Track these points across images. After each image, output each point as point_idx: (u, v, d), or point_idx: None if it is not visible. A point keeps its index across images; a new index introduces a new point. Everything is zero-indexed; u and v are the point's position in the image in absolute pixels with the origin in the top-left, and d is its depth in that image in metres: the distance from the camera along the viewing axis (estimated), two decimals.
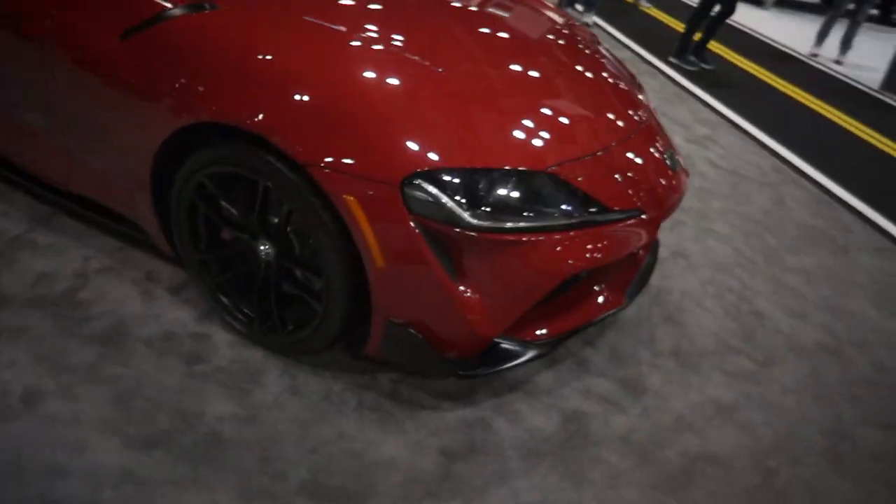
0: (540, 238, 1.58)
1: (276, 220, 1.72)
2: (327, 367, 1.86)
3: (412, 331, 1.64)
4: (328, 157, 1.49)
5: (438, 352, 1.67)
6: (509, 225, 1.54)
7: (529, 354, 1.76)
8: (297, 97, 1.52)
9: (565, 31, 2.37)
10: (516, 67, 1.94)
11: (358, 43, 1.72)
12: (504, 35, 2.13)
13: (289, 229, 1.73)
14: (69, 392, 1.65)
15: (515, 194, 1.57)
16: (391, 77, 1.64)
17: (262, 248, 1.77)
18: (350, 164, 1.49)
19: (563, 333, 1.82)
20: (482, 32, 2.10)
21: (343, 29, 1.77)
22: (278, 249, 1.75)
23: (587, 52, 2.28)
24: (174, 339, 1.87)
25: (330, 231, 1.57)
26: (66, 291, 1.97)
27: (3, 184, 2.38)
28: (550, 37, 2.27)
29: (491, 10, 2.30)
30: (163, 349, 1.83)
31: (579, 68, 2.13)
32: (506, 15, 2.31)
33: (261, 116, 1.52)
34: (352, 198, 1.50)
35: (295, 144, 1.50)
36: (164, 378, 1.74)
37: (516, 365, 1.74)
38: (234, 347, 1.88)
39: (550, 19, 2.45)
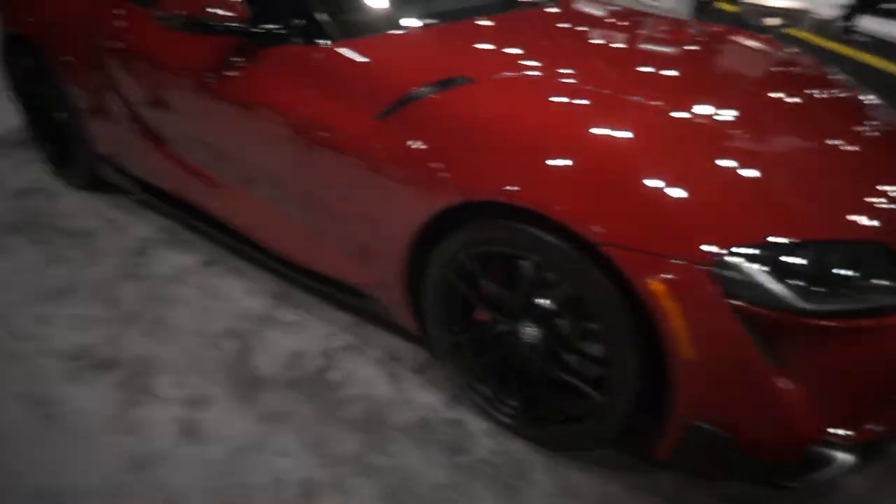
0: (885, 320, 1.31)
1: (544, 302, 1.59)
2: (598, 464, 1.68)
3: (717, 430, 1.41)
4: (625, 234, 1.33)
5: (746, 454, 1.42)
6: (849, 307, 1.29)
7: (851, 459, 1.46)
8: (583, 170, 1.40)
9: (810, 73, 2.10)
10: (797, 123, 1.70)
11: (634, 105, 1.58)
12: (775, 91, 1.90)
13: (555, 310, 1.59)
14: (343, 486, 1.59)
15: (850, 271, 1.32)
16: (682, 142, 1.48)
17: (526, 330, 1.64)
18: (651, 241, 1.32)
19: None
20: (745, 81, 1.89)
21: (607, 92, 1.65)
22: (547, 332, 1.61)
23: (845, 96, 1.99)
24: (429, 427, 1.78)
25: (623, 317, 1.41)
26: (317, 371, 1.96)
27: (245, 261, 2.48)
28: (804, 85, 2.01)
29: (745, 58, 2.09)
30: (420, 437, 1.74)
31: (854, 118, 1.85)
32: (760, 67, 2.09)
33: (542, 193, 1.41)
34: (656, 281, 1.32)
35: (587, 222, 1.36)
36: (430, 472, 1.64)
37: (838, 472, 1.45)
38: (493, 437, 1.75)
39: (788, 60, 2.19)
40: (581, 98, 1.61)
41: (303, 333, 2.12)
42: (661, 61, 2.01)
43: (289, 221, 2.06)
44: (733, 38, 2.36)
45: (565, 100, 1.60)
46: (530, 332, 1.63)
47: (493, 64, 1.74)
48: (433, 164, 1.57)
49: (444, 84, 1.65)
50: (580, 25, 2.30)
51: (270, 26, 1.89)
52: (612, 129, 1.48)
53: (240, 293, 2.31)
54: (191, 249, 2.56)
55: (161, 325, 2.14)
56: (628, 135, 1.47)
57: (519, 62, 1.80)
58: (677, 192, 1.34)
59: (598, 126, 1.48)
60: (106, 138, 2.68)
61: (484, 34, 2.04)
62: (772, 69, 2.15)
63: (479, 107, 1.58)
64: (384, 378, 1.95)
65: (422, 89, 1.65)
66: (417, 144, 1.61)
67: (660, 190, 1.35)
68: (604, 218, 1.35)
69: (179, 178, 2.42)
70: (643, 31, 2.32)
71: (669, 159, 1.42)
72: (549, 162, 1.42)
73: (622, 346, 1.43)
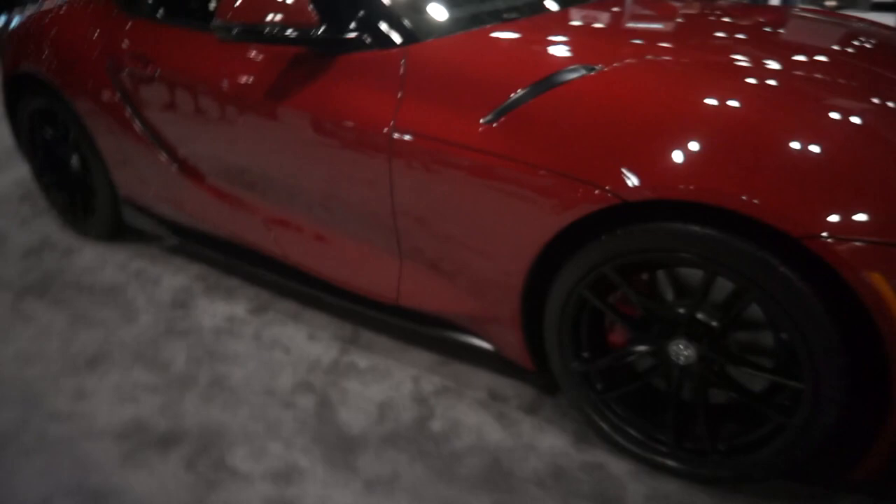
0: None
1: (703, 315, 1.35)
2: (767, 496, 1.41)
3: None
4: (833, 221, 1.10)
5: None
6: None
7: None
8: (783, 157, 1.16)
9: None
10: None
11: (789, 84, 1.36)
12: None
13: (725, 322, 1.34)
14: None
15: None
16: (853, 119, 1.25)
17: (678, 348, 1.38)
18: (869, 226, 1.08)
19: None
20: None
21: (776, 66, 1.42)
22: (706, 350, 1.36)
23: None
24: (566, 475, 1.50)
25: (823, 320, 1.16)
26: (415, 422, 1.68)
27: (300, 303, 2.21)
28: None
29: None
30: (561, 490, 1.46)
31: None
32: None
33: (737, 185, 1.16)
34: (877, 274, 1.08)
35: (791, 215, 1.12)
36: None
37: None
38: (641, 480, 1.48)
39: None
40: (731, 77, 1.38)
41: (386, 380, 1.85)
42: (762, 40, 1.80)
43: (372, 252, 1.80)
44: (807, 14, 2.16)
45: (715, 80, 1.37)
46: (684, 351, 1.38)
47: (605, 51, 1.51)
48: (565, 165, 1.33)
49: (564, 74, 1.41)
50: (658, 10, 2.09)
51: (342, 32, 1.66)
52: (797, 110, 1.25)
53: (302, 340, 2.03)
54: (236, 296, 2.28)
55: (221, 386, 1.85)
56: (830, 115, 1.24)
57: (628, 47, 1.57)
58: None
59: (778, 107, 1.25)
60: (135, 179, 2.41)
61: (569, 25, 1.82)
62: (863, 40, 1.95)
63: (624, 94, 1.34)
64: (494, 422, 1.67)
65: (541, 82, 1.41)
66: (542, 145, 1.36)
67: (873, 171, 1.12)
68: (811, 208, 1.11)
69: (226, 214, 2.15)
70: (712, 12, 2.11)
71: (863, 140, 1.20)
72: (739, 150, 1.18)
73: (824, 354, 1.18)
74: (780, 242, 1.18)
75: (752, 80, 1.34)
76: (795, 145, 1.16)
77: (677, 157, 1.21)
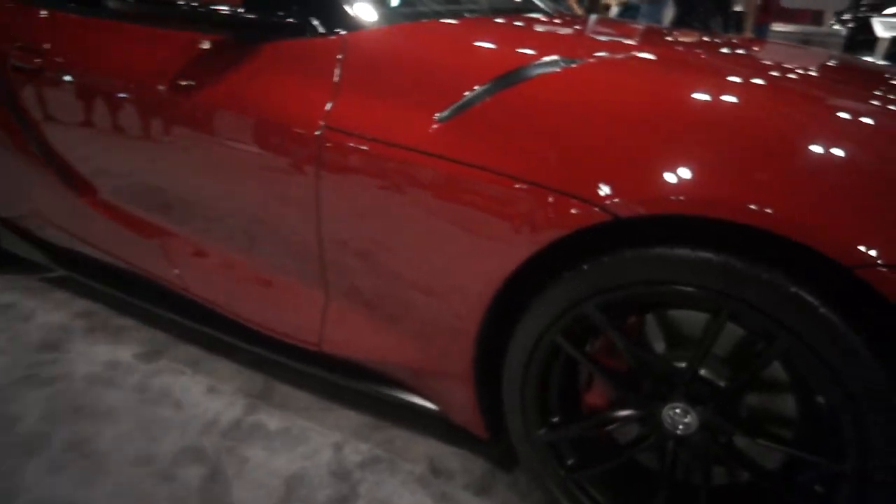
0: None
1: (711, 373, 1.06)
2: None
3: None
4: (887, 246, 0.84)
5: None
6: None
7: None
8: (802, 161, 0.90)
9: None
10: None
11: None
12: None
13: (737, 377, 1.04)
14: None
15: None
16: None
17: (674, 414, 1.08)
18: None
19: None
20: None
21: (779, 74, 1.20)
22: (711, 417, 1.05)
23: None
24: None
25: (875, 379, 0.88)
26: None
27: (204, 349, 1.81)
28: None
29: None
30: None
31: None
32: None
33: (744, 194, 0.89)
34: None
35: (833, 232, 0.85)
36: None
37: None
38: None
39: None
40: (741, 77, 1.14)
41: (300, 446, 1.46)
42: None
43: (291, 285, 1.45)
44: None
45: (723, 78, 1.13)
46: (682, 418, 1.07)
47: (587, 44, 1.26)
48: (541, 173, 1.04)
49: (540, 66, 1.15)
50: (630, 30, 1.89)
51: (269, 14, 1.36)
52: (821, 114, 1.01)
53: (199, 394, 1.63)
54: (124, 338, 1.86)
55: (80, 450, 1.42)
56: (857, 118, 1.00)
57: (611, 44, 1.33)
58: None
59: (804, 111, 1.01)
60: (13, 196, 2.00)
61: (542, 21, 1.59)
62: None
63: (615, 89, 1.08)
64: None
65: (512, 73, 1.13)
66: (512, 148, 1.08)
67: None
68: (866, 230, 0.85)
69: (121, 239, 1.75)
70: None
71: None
72: (769, 157, 0.92)
73: (877, 422, 0.89)
74: (811, 276, 0.91)
75: (761, 82, 1.11)
76: (836, 153, 0.91)
77: (688, 163, 0.95)
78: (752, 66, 1.32)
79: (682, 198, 0.92)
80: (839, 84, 1.31)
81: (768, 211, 0.87)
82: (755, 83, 1.11)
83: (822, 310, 0.88)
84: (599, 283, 1.04)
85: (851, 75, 1.48)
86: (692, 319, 1.10)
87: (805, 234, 0.86)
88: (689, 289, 0.97)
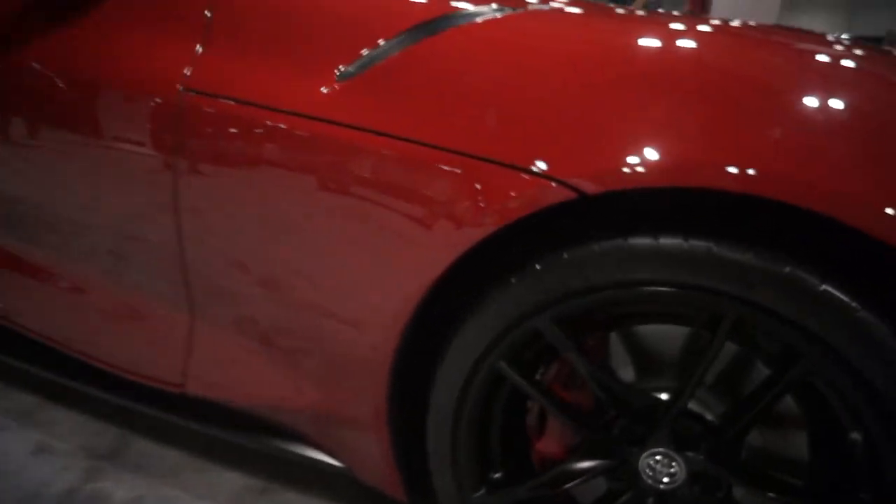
0: None
1: (704, 408, 0.80)
2: None
3: None
4: None
5: None
6: None
7: None
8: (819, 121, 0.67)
9: None
10: None
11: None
12: None
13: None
14: None
15: None
16: None
17: (655, 463, 0.81)
18: None
19: None
20: None
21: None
22: (705, 465, 0.79)
23: None
24: None
25: None
26: None
27: (37, 396, 1.40)
28: None
29: None
30: None
31: None
32: None
33: (762, 160, 0.65)
34: None
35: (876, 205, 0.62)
36: None
37: None
38: None
39: None
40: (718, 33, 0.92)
41: None
42: None
43: (146, 308, 1.09)
44: None
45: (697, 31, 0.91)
46: (666, 467, 0.81)
47: None
48: (479, 142, 0.76)
49: (469, 13, 0.88)
50: None
51: None
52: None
53: (24, 455, 1.22)
54: None
55: None
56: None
57: None
58: None
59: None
60: None
61: None
62: None
63: (567, 38, 0.82)
64: None
65: (437, 20, 0.86)
66: (440, 111, 0.80)
67: None
68: None
69: None
70: None
71: None
72: (773, 115, 0.68)
73: None
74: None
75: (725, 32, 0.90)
76: (848, 101, 0.69)
77: (679, 120, 0.70)
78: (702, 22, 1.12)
79: (673, 165, 0.68)
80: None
81: (800, 179, 0.63)
82: (726, 33, 0.89)
83: (861, 313, 0.65)
84: (558, 288, 0.77)
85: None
86: (668, 338, 0.85)
87: (842, 208, 0.62)
88: (681, 291, 0.71)
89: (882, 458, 0.67)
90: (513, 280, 0.79)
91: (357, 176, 0.84)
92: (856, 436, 0.70)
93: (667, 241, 0.71)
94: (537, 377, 0.89)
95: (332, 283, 0.89)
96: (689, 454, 0.79)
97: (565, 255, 0.76)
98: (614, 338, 0.88)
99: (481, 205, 0.75)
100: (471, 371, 0.84)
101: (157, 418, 1.20)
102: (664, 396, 0.82)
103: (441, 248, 0.79)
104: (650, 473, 0.81)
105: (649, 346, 0.86)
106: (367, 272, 0.86)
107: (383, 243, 0.84)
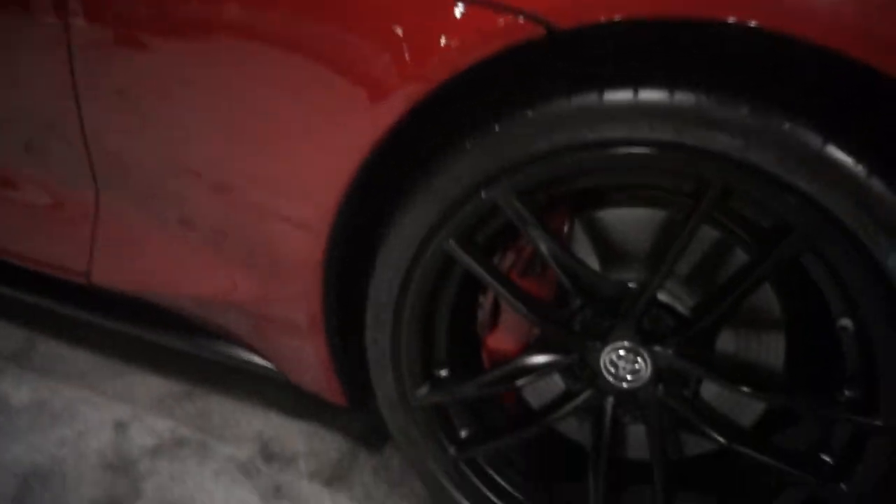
0: None
1: (674, 298, 0.72)
2: None
3: None
4: None
5: None
6: None
7: None
8: None
9: None
10: None
11: None
12: None
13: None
14: None
15: None
16: None
17: (618, 359, 0.72)
18: None
19: None
20: None
21: None
22: (674, 360, 0.70)
23: None
24: None
25: None
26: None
27: None
28: None
29: None
30: None
31: None
32: None
33: None
34: None
35: None
36: None
37: None
38: None
39: None
40: None
41: (59, 427, 0.97)
42: None
43: (53, 188, 0.95)
44: None
45: None
46: (629, 362, 0.72)
47: None
48: None
49: None
50: None
51: None
52: None
53: None
54: None
55: None
56: None
57: None
58: None
59: None
60: None
61: None
62: None
63: None
64: None
65: None
66: None
67: None
68: None
69: None
70: None
71: None
72: None
73: None
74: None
75: None
76: None
77: None
78: None
79: None
80: None
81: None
82: None
83: (869, 178, 0.56)
84: (520, 152, 0.65)
85: None
86: (636, 226, 0.75)
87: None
88: (662, 153, 0.61)
89: (877, 343, 0.59)
90: (468, 145, 0.68)
91: (272, 26, 0.70)
92: (846, 323, 0.62)
93: (648, 95, 0.60)
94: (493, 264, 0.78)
95: (247, 151, 0.76)
96: (657, 349, 0.70)
97: (529, 113, 0.64)
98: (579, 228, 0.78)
99: (423, 52, 0.63)
100: (416, 252, 0.73)
101: (68, 320, 1.07)
102: (633, 285, 0.73)
103: (378, 105, 0.66)
104: (612, 370, 0.73)
105: (616, 236, 0.76)
106: (293, 133, 0.73)
107: (308, 104, 0.70)
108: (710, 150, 0.59)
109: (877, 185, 0.55)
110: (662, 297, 0.72)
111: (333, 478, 0.95)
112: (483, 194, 0.68)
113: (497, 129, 0.66)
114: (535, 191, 0.68)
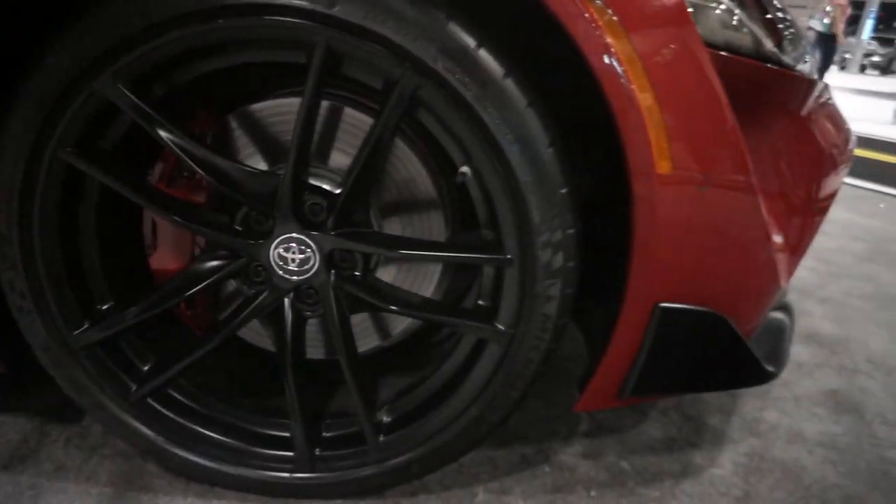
0: None
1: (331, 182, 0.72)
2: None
3: (708, 311, 0.74)
4: None
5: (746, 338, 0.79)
6: None
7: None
8: None
9: None
10: None
11: None
12: None
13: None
14: None
15: None
16: None
17: (286, 252, 0.71)
18: None
19: None
20: None
21: None
22: (338, 235, 0.70)
23: None
24: None
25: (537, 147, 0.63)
26: None
27: None
28: None
29: None
30: None
31: None
32: None
33: None
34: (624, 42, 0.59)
35: None
36: None
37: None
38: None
39: None
40: None
41: None
42: None
43: None
44: None
45: None
46: (298, 250, 0.70)
47: None
48: None
49: None
50: None
51: None
52: None
53: None
54: None
55: None
56: None
57: None
58: None
59: None
60: None
61: None
62: None
63: None
64: None
65: None
66: None
67: None
68: None
69: None
70: None
71: None
72: None
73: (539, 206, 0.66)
74: None
75: None
76: None
77: None
78: None
79: None
80: None
81: None
82: None
83: (480, 51, 0.59)
84: (113, 34, 0.59)
85: None
86: (289, 114, 0.73)
87: None
88: (260, 23, 0.59)
89: (487, 180, 0.64)
90: (58, 35, 0.60)
91: None
92: (465, 170, 0.67)
93: None
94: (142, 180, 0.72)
95: None
96: (318, 234, 0.70)
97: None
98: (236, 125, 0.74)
99: None
100: (28, 167, 0.63)
101: None
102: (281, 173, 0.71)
103: None
104: (282, 264, 0.71)
105: (272, 129, 0.74)
106: None
107: None
108: (297, 6, 0.58)
109: (456, 30, 0.59)
110: (315, 182, 0.72)
111: (15, 459, 0.83)
112: (85, 89, 0.61)
113: (91, 11, 0.59)
114: (150, 80, 0.63)
